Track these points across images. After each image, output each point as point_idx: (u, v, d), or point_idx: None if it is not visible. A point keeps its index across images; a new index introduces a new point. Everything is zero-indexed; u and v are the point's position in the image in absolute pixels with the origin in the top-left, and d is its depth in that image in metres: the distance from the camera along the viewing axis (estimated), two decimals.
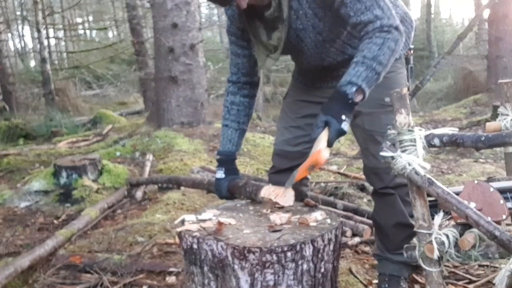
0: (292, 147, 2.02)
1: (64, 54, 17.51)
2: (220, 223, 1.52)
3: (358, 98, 1.56)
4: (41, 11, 11.13)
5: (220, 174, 1.94)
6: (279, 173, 2.05)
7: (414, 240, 1.54)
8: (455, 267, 2.34)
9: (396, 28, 1.58)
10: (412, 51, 2.07)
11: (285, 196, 1.73)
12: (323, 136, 1.55)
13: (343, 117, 1.53)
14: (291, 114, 2.08)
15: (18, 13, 16.09)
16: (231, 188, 1.90)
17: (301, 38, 1.78)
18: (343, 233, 2.69)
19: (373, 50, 1.55)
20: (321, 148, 1.54)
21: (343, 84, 1.56)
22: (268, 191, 1.75)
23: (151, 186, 4.20)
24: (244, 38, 1.88)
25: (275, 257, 1.39)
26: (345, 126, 1.54)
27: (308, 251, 1.43)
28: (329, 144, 1.55)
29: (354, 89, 1.53)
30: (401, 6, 1.99)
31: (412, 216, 1.66)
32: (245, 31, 1.85)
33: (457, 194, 1.42)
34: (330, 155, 5.17)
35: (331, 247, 1.51)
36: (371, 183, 2.07)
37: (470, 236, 1.39)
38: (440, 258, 1.45)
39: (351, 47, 1.80)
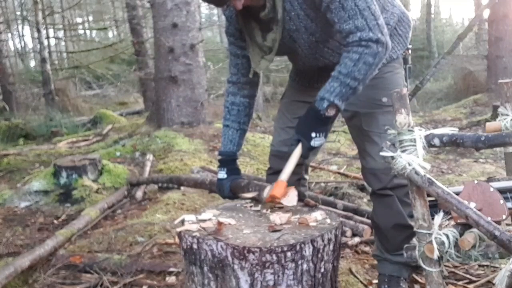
0: (289, 148, 1.99)
1: (64, 54, 17.51)
2: (220, 223, 1.53)
3: (331, 112, 1.65)
4: (41, 11, 11.14)
5: (222, 174, 1.94)
6: (277, 174, 2.02)
7: (414, 240, 1.54)
8: (455, 267, 2.34)
9: (377, 41, 1.59)
10: (410, 51, 2.06)
11: (288, 196, 1.73)
12: (297, 152, 1.70)
13: (313, 134, 1.66)
14: (288, 115, 2.08)
15: (18, 13, 16.07)
16: (234, 188, 1.90)
17: (294, 39, 1.78)
18: (343, 233, 2.69)
19: (348, 66, 1.60)
20: (284, 177, 1.70)
21: (317, 99, 1.65)
22: None
23: (151, 186, 4.19)
24: (242, 38, 1.88)
25: (275, 257, 1.39)
26: (316, 142, 1.67)
27: (308, 251, 1.43)
28: (304, 157, 1.73)
29: (325, 105, 1.63)
30: (399, 6, 1.98)
31: (411, 216, 1.66)
32: (243, 31, 1.85)
33: (457, 194, 1.42)
34: (330, 155, 5.20)
35: (331, 247, 1.51)
36: (369, 184, 2.06)
37: (470, 236, 1.39)
38: (440, 258, 1.45)
39: None
